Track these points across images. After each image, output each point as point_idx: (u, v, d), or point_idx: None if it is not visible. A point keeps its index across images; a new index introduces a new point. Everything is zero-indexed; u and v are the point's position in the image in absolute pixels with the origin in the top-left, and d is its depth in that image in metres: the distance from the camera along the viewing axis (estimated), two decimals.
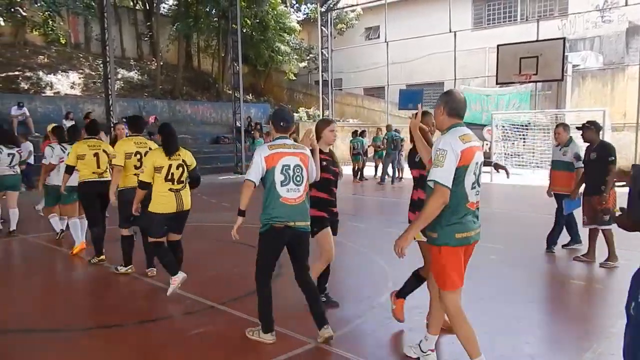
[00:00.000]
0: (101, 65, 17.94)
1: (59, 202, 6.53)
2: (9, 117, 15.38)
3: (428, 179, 2.76)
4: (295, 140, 3.72)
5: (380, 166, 14.66)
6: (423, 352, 3.19)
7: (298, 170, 3.43)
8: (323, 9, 21.27)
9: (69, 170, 5.66)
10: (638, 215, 1.98)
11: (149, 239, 4.69)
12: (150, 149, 5.22)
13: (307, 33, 28.39)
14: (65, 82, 20.80)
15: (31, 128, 15.01)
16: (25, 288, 5.07)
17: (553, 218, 6.02)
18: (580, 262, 5.57)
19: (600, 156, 5.33)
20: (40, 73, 20.34)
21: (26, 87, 19.42)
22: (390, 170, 14.40)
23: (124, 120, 8.66)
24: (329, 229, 4.03)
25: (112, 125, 14.16)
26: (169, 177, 4.47)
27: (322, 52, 21.46)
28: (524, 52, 13.05)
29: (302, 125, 21.74)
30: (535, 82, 14.89)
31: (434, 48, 20.59)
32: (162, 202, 4.46)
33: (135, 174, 5.06)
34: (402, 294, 3.76)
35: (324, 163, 3.93)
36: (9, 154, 7.18)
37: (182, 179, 4.58)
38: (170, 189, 4.48)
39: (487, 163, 4.26)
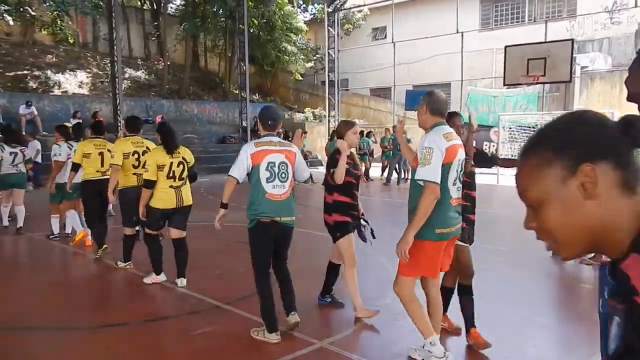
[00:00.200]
0: (109, 64, 18.05)
1: (63, 199, 6.61)
2: (17, 115, 15.51)
3: (416, 178, 2.84)
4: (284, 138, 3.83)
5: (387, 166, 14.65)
6: (438, 357, 3.09)
7: (283, 167, 3.53)
8: (330, 10, 21.28)
9: (75, 167, 5.79)
10: None
11: (145, 229, 4.88)
12: (147, 148, 5.34)
13: (313, 33, 28.40)
14: (73, 82, 20.94)
15: (39, 127, 15.11)
16: (31, 286, 5.10)
17: None
18: (587, 266, 5.53)
19: None
20: (49, 72, 20.48)
21: (34, 86, 19.56)
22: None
23: (150, 119, 8.77)
24: (352, 234, 3.95)
25: (119, 124, 14.25)
26: (171, 174, 4.63)
27: (328, 53, 21.47)
28: (531, 54, 12.99)
29: (307, 125, 21.75)
30: (543, 83, 14.80)
31: (440, 49, 20.52)
32: (163, 198, 4.62)
33: (134, 174, 5.21)
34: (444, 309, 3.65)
35: (347, 166, 3.85)
36: (11, 153, 7.24)
37: (182, 176, 4.74)
38: (171, 186, 4.64)
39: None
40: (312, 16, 28.72)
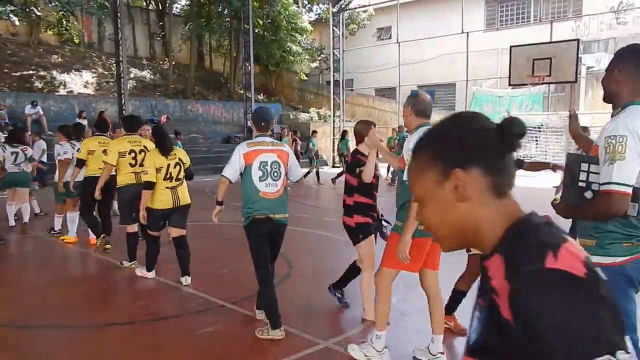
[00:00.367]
0: (114, 64, 18.14)
1: (66, 196, 6.66)
2: (23, 115, 15.59)
3: (404, 178, 2.92)
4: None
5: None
6: (432, 355, 3.21)
7: (275, 167, 3.63)
8: (335, 10, 21.27)
9: (80, 164, 5.92)
10: (570, 200, 2.11)
11: (146, 230, 4.97)
12: (144, 146, 5.43)
13: (318, 33, 28.40)
14: (78, 81, 21.02)
15: (45, 127, 15.18)
16: (35, 284, 5.12)
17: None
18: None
19: None
20: (54, 72, 20.58)
21: (40, 86, 19.66)
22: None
23: (148, 119, 8.83)
24: (372, 237, 3.90)
25: None
26: (168, 175, 4.76)
27: (333, 53, 21.47)
28: (537, 54, 12.92)
29: (312, 125, 21.75)
30: (549, 83, 14.74)
31: (445, 49, 20.48)
32: (160, 199, 4.73)
33: (132, 172, 5.30)
34: (449, 311, 3.67)
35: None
36: (12, 152, 7.28)
37: (179, 177, 4.87)
38: (167, 187, 4.77)
39: None
40: (317, 16, 28.74)
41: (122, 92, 15.17)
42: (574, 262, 0.74)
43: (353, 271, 4.15)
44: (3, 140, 8.47)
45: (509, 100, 18.07)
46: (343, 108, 21.66)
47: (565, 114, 16.19)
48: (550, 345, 0.69)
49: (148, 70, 24.09)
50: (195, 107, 22.29)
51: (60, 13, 20.46)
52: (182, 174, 4.90)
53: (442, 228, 0.90)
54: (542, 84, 14.41)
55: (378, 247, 3.85)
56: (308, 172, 13.91)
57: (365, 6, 24.76)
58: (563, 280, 0.72)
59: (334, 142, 20.53)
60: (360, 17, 26.33)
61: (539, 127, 16.55)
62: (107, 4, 20.25)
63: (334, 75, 21.54)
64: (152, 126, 5.67)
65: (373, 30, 27.07)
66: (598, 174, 1.98)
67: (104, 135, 6.22)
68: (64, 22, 21.19)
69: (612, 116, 2.06)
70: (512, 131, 0.85)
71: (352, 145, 18.65)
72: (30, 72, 20.04)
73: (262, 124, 3.73)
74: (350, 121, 23.56)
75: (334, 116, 21.55)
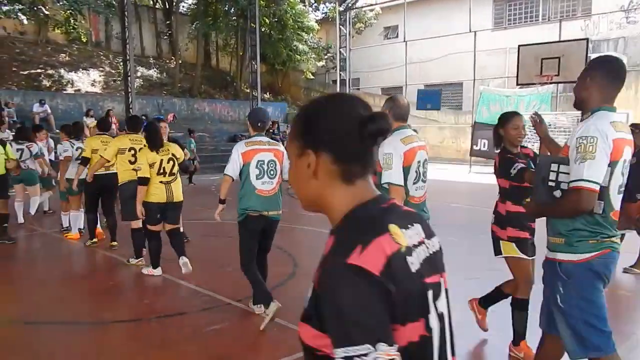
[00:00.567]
0: (121, 63, 18.19)
1: (68, 194, 6.74)
2: (30, 114, 15.70)
3: (382, 182, 2.98)
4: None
5: None
6: None
7: (272, 165, 3.80)
8: (342, 8, 21.24)
9: (85, 162, 6.02)
10: (540, 199, 2.24)
11: (146, 226, 5.06)
12: (145, 145, 5.42)
13: (325, 32, 28.35)
14: (86, 80, 21.12)
15: (52, 125, 15.27)
16: (43, 281, 5.14)
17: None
18: (630, 274, 5.42)
19: None
20: (62, 71, 20.68)
21: (48, 85, 19.77)
22: None
23: (162, 117, 8.92)
24: None
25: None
26: (161, 170, 4.87)
27: (340, 52, 21.43)
28: (545, 53, 12.83)
29: None
30: (557, 83, 14.62)
31: (453, 48, 20.37)
32: (154, 192, 4.85)
33: (132, 169, 5.39)
34: (484, 304, 3.60)
35: None
36: (17, 149, 7.34)
37: (173, 172, 4.98)
38: (161, 182, 4.87)
39: None
40: (323, 15, 28.70)
41: (129, 90, 15.22)
42: (378, 257, 0.84)
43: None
44: (10, 138, 8.52)
45: (517, 100, 17.94)
46: None
47: (573, 114, 16.08)
48: (330, 327, 0.83)
49: (155, 69, 24.16)
50: (201, 105, 22.33)
51: (68, 12, 20.54)
52: (176, 168, 5.02)
53: (298, 192, 1.00)
54: (551, 83, 14.31)
55: None
56: None
57: (372, 5, 24.68)
58: (355, 276, 0.82)
59: None
60: (367, 15, 26.25)
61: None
62: (114, 2, 20.30)
63: (340, 74, 21.50)
64: (145, 124, 5.77)
65: (380, 29, 26.99)
66: (567, 174, 2.10)
67: (105, 134, 6.36)
68: (72, 20, 21.27)
69: (581, 120, 2.23)
70: (367, 128, 0.92)
71: None
72: (39, 70, 20.15)
73: (259, 124, 3.88)
74: None
75: None
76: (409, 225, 0.95)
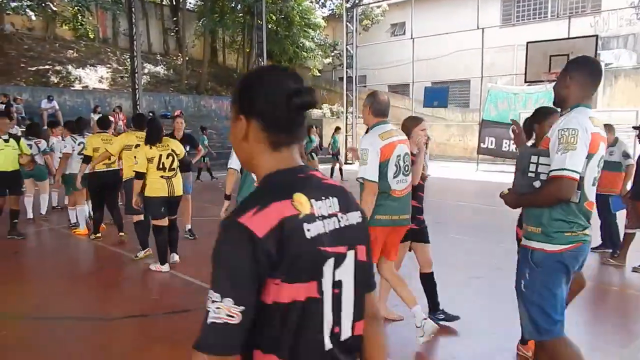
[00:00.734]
0: (128, 59, 18.24)
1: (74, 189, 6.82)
2: (39, 110, 15.80)
3: (357, 176, 3.14)
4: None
5: None
6: (419, 326, 3.34)
7: None
8: (348, 5, 21.15)
9: (87, 160, 6.13)
10: (520, 190, 2.34)
11: (150, 221, 5.17)
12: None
13: (332, 29, 28.29)
14: (93, 76, 21.21)
15: (61, 121, 15.30)
16: (53, 277, 5.17)
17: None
18: (610, 266, 5.42)
19: None
20: (70, 67, 20.78)
21: (56, 81, 19.87)
22: None
23: (168, 114, 9.01)
24: (408, 243, 3.72)
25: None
26: (160, 165, 4.95)
27: (346, 49, 21.36)
28: (554, 50, 12.72)
29: (325, 122, 21.69)
30: None
31: (460, 45, 20.24)
32: (156, 187, 4.94)
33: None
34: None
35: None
36: (27, 145, 7.35)
37: (172, 167, 5.05)
38: (162, 176, 4.96)
39: None
40: (330, 12, 28.62)
41: (137, 87, 15.26)
42: (268, 220, 0.95)
43: (427, 281, 3.83)
44: (19, 134, 8.59)
45: (525, 98, 17.82)
46: (356, 104, 21.54)
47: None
48: (212, 272, 0.96)
49: (162, 66, 24.22)
50: (208, 102, 22.37)
51: (76, 8, 20.63)
52: (175, 164, 5.10)
53: (235, 149, 1.12)
54: None
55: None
56: (332, 169, 13.91)
57: (379, 1, 24.58)
58: (238, 234, 0.94)
59: (346, 139, 20.49)
60: (374, 12, 26.15)
61: None
62: None
63: (347, 72, 21.43)
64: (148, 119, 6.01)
65: (387, 26, 26.89)
66: (547, 165, 2.23)
67: (106, 132, 6.47)
68: (79, 17, 21.36)
69: (561, 115, 2.37)
70: (293, 101, 1.02)
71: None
72: (47, 66, 20.26)
73: None
74: (362, 117, 23.45)
75: (346, 113, 21.47)
76: (323, 197, 1.04)
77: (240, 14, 24.78)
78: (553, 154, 2.18)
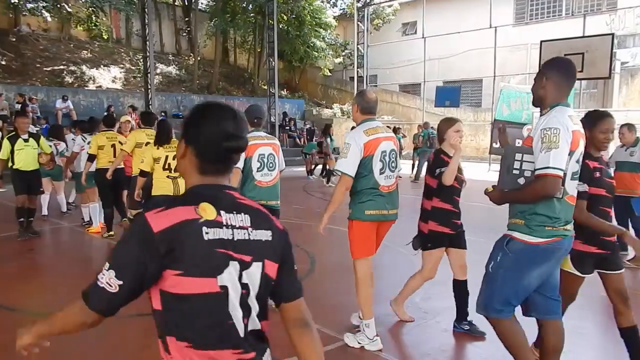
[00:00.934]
0: (141, 60, 18.39)
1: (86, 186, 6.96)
2: (54, 109, 16.01)
3: (335, 168, 3.26)
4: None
5: (417, 163, 14.46)
6: (369, 338, 3.34)
7: (271, 158, 4.06)
8: (360, 4, 21.11)
9: (91, 158, 6.34)
10: (505, 186, 2.41)
11: None
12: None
13: (343, 28, 28.25)
14: (107, 76, 21.42)
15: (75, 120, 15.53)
16: (66, 274, 5.24)
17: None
18: (627, 268, 5.33)
19: None
20: (84, 67, 21.02)
21: (70, 81, 20.11)
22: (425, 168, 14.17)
23: (180, 115, 9.18)
24: (443, 249, 3.62)
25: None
26: (166, 166, 5.02)
27: (357, 48, 21.32)
28: (568, 49, 12.52)
29: (336, 121, 21.66)
30: (581, 79, 14.29)
31: (472, 44, 20.10)
32: (162, 186, 5.02)
33: None
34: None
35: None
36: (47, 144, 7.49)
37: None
38: (168, 176, 5.03)
39: None
40: (341, 11, 28.57)
41: (149, 87, 15.39)
42: (167, 219, 1.14)
43: (459, 289, 3.69)
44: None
45: None
46: None
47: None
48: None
49: (174, 66, 24.39)
50: (219, 102, 22.46)
51: (90, 9, 20.86)
52: None
53: (179, 167, 1.31)
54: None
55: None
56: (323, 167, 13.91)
57: (390, 1, 24.49)
58: (140, 225, 1.15)
59: None
60: (385, 12, 26.05)
61: None
62: (135, 0, 20.55)
63: (357, 71, 21.40)
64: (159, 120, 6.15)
65: (398, 25, 26.77)
66: (530, 162, 2.31)
67: (111, 131, 6.59)
68: (94, 18, 21.59)
69: (541, 115, 2.44)
70: (224, 145, 1.22)
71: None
72: (61, 67, 20.51)
73: (255, 120, 4.12)
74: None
75: None
76: (234, 212, 1.22)
77: (251, 14, 24.86)
78: (537, 152, 2.26)
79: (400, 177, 13.11)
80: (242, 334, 1.20)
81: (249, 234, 1.22)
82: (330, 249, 6.15)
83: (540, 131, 2.26)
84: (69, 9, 20.30)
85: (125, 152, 5.97)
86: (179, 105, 20.33)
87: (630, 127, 5.79)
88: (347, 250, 3.52)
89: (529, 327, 2.74)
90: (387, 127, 3.82)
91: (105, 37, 23.29)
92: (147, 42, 15.11)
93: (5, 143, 6.47)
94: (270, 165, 4.05)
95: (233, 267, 1.18)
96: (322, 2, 26.28)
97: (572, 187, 2.39)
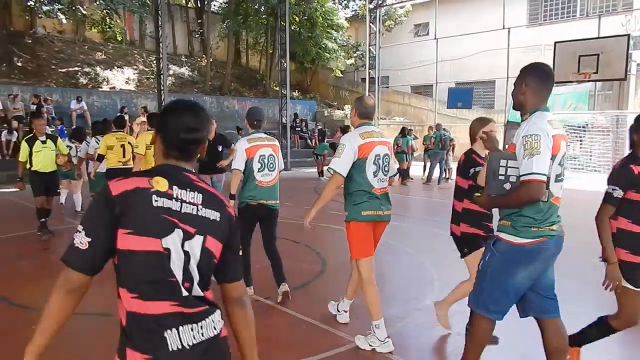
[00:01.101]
0: (154, 61, 18.57)
1: (97, 187, 7.10)
2: (69, 110, 16.23)
3: (328, 167, 3.33)
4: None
5: (429, 165, 14.38)
6: (338, 311, 3.77)
7: (272, 159, 4.20)
8: (372, 6, 21.09)
9: (100, 158, 6.48)
10: (492, 192, 2.46)
11: None
12: None
13: (354, 30, 28.24)
14: (120, 78, 21.65)
15: (89, 121, 15.72)
16: None
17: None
18: None
19: None
20: (98, 69, 21.27)
21: (85, 82, 20.36)
22: (437, 170, 14.09)
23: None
24: (481, 250, 3.38)
25: None
26: None
27: (369, 49, 21.28)
28: (583, 50, 12.41)
29: (347, 123, 21.61)
30: (595, 81, 14.11)
31: (485, 45, 19.95)
32: None
33: None
34: (578, 342, 3.02)
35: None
36: (67, 147, 7.60)
37: None
38: None
39: None
40: (353, 13, 28.57)
41: (162, 88, 15.50)
42: (124, 186, 1.34)
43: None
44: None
45: (552, 99, 17.34)
46: (378, 105, 21.46)
47: (612, 112, 15.52)
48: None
49: (187, 67, 24.57)
50: (231, 103, 22.58)
51: (104, 11, 21.12)
52: None
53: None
54: (588, 81, 13.81)
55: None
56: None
57: (402, 2, 24.43)
58: (104, 190, 1.36)
59: None
60: (397, 13, 25.99)
61: (583, 127, 15.90)
62: (148, 2, 20.74)
63: (369, 73, 21.36)
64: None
65: (410, 26, 26.69)
66: (516, 168, 2.37)
67: (121, 132, 6.71)
68: (108, 20, 21.86)
69: (522, 121, 2.49)
70: (181, 136, 1.44)
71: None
72: (76, 68, 20.78)
73: (255, 122, 4.25)
74: (385, 119, 23.33)
75: None
76: (187, 189, 1.39)
77: (263, 16, 24.96)
78: (520, 159, 2.33)
79: (412, 178, 13.12)
80: (184, 294, 1.35)
81: (197, 210, 1.39)
82: (341, 250, 6.13)
83: (522, 138, 2.32)
84: (84, 12, 20.57)
85: (141, 155, 6.06)
86: None
87: None
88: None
89: (531, 328, 2.70)
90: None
91: (119, 39, 23.56)
92: (160, 44, 15.23)
93: (24, 145, 6.54)
94: (271, 165, 4.19)
95: (177, 235, 1.34)
96: (334, 3, 26.30)
97: (557, 189, 2.44)
